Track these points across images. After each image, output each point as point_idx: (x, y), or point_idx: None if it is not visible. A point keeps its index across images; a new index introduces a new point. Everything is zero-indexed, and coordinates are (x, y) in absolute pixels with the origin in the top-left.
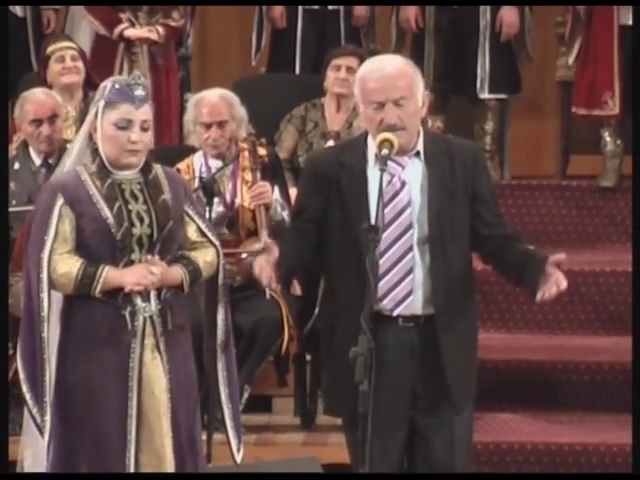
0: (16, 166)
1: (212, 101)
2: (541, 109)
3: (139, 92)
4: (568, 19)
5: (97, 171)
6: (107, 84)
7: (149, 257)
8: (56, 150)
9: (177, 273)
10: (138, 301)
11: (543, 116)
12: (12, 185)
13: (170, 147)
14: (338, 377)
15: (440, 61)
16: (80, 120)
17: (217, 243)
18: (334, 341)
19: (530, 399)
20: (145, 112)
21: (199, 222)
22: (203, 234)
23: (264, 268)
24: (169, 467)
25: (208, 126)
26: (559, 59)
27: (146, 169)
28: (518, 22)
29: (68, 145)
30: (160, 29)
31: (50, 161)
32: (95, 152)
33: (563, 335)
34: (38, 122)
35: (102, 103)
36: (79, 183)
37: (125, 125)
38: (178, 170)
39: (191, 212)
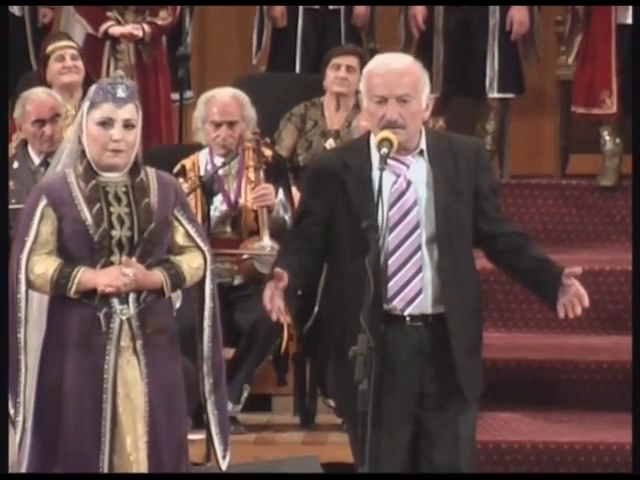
0: (15, 165)
1: (224, 100)
2: (541, 108)
3: (121, 91)
4: (567, 18)
5: (83, 173)
6: (93, 85)
7: (124, 259)
8: (56, 149)
9: (157, 277)
10: (115, 303)
11: (543, 115)
12: (11, 184)
13: (168, 146)
14: (349, 377)
15: (447, 62)
16: None
17: (205, 248)
18: (345, 341)
19: (530, 398)
20: (128, 111)
21: (188, 227)
22: (191, 239)
23: (273, 299)
24: (142, 471)
25: (218, 125)
26: (559, 58)
27: (134, 171)
28: (528, 21)
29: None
30: (146, 27)
31: (49, 160)
32: (83, 154)
33: (563, 334)
34: (41, 122)
35: (87, 104)
36: (64, 185)
37: (107, 123)
38: (183, 167)
39: (180, 217)
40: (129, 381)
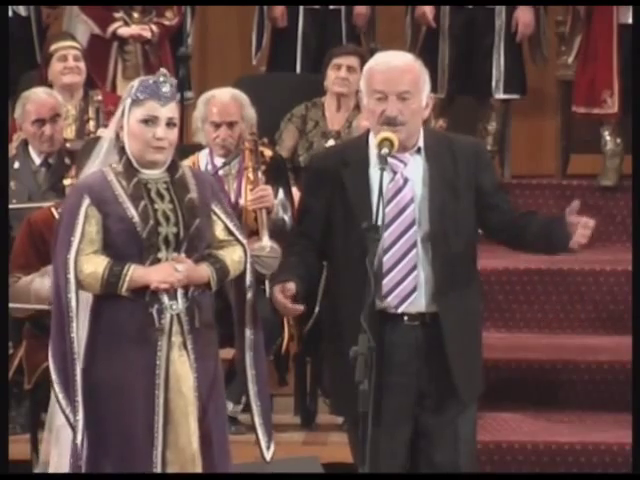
0: (16, 165)
1: (223, 101)
2: (541, 108)
3: (166, 89)
4: (568, 18)
5: (123, 171)
6: (134, 82)
7: (175, 255)
8: (56, 150)
9: (204, 271)
10: (165, 299)
11: (543, 115)
12: (12, 184)
13: None
14: (346, 376)
15: (452, 62)
16: (80, 119)
17: (245, 242)
18: (343, 340)
19: (530, 398)
20: (171, 109)
21: (227, 221)
22: (230, 233)
23: (286, 305)
24: (197, 465)
25: (217, 125)
26: (559, 58)
27: (173, 168)
28: (534, 22)
29: (68, 144)
30: (153, 27)
31: (50, 160)
32: (122, 151)
33: (563, 334)
34: (41, 122)
35: (129, 101)
36: (105, 184)
37: (150, 121)
38: None
39: (218, 211)
40: (181, 376)
